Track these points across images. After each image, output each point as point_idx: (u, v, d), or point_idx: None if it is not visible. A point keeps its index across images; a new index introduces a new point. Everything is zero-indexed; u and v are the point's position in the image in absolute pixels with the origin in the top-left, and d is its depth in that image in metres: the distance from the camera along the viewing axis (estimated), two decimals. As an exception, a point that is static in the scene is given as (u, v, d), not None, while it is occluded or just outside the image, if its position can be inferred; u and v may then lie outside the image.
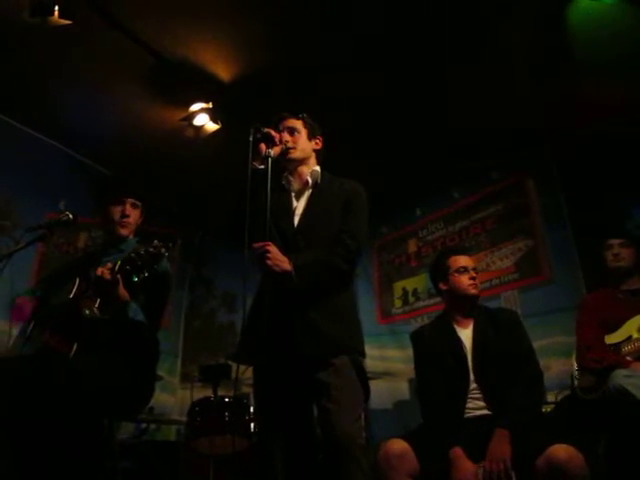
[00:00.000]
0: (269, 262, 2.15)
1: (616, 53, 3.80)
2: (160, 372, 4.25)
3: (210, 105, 4.71)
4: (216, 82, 4.47)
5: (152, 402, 2.89)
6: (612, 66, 3.95)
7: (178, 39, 4.08)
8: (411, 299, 5.79)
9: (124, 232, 2.82)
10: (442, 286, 2.83)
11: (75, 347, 2.42)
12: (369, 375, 2.36)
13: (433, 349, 2.71)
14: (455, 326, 2.75)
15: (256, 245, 2.16)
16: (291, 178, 2.55)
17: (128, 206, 2.82)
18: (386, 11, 3.79)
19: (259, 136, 2.33)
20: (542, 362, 2.64)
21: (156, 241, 2.41)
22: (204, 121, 4.79)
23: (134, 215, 2.85)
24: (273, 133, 2.37)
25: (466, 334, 2.70)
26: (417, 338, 2.86)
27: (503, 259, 5.14)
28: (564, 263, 4.66)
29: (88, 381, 2.30)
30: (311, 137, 2.59)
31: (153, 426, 5.23)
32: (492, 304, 3.92)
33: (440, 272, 2.85)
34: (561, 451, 2.08)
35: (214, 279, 6.84)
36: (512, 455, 2.25)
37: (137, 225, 2.90)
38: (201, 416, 4.11)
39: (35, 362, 2.34)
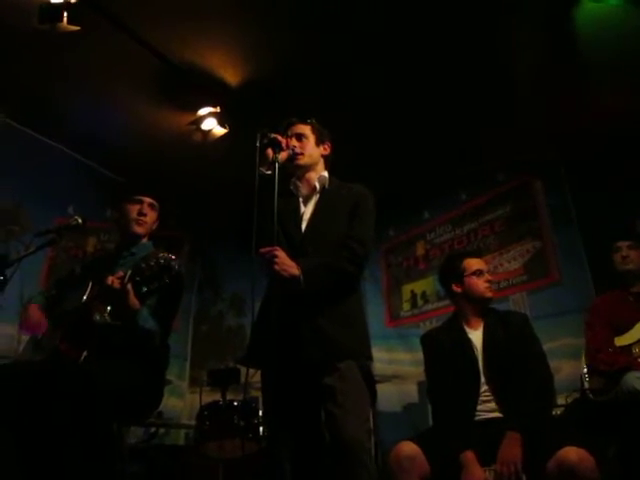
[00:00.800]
0: (277, 267, 2.15)
1: (622, 54, 3.79)
2: (169, 376, 4.25)
3: (218, 109, 4.73)
4: (224, 86, 4.49)
5: (161, 406, 2.91)
6: (618, 67, 3.94)
7: (186, 43, 4.10)
8: (420, 302, 5.78)
9: (140, 230, 2.83)
10: (456, 288, 2.83)
11: (85, 353, 2.44)
12: (378, 378, 2.37)
13: (444, 351, 2.71)
14: (466, 328, 2.76)
15: (264, 250, 2.17)
16: (299, 183, 2.56)
17: (146, 205, 2.85)
18: (392, 14, 3.80)
19: (266, 141, 2.34)
20: (552, 364, 2.63)
21: (165, 253, 2.44)
22: (212, 125, 4.81)
23: (151, 215, 2.87)
24: (280, 138, 2.38)
25: (477, 336, 2.71)
26: (428, 340, 2.86)
27: (511, 261, 5.13)
28: (572, 265, 4.65)
29: (98, 386, 2.32)
30: (319, 143, 2.60)
31: (162, 430, 5.24)
32: (500, 306, 3.89)
33: (454, 274, 2.85)
34: (572, 453, 2.07)
35: (222, 282, 6.85)
36: (523, 458, 2.25)
37: (152, 228, 2.92)
38: (210, 420, 4.11)
39: (46, 367, 2.36)
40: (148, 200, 2.86)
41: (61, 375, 2.28)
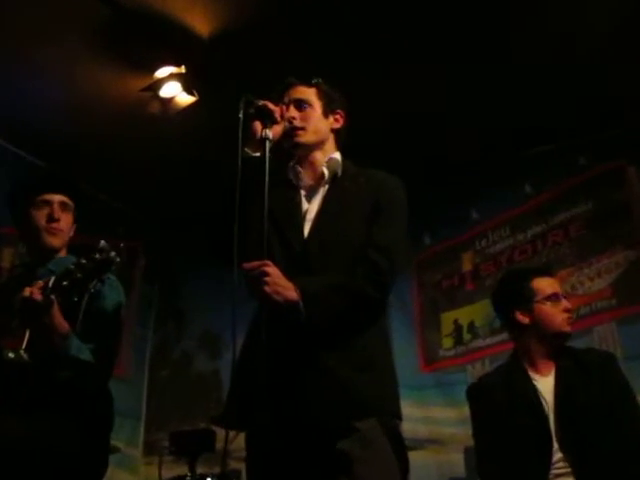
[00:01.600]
0: (268, 289, 2.11)
1: None
2: (115, 441, 4.24)
3: (183, 69, 4.75)
4: (191, 38, 4.51)
5: (105, 484, 2.90)
6: None
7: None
8: (466, 336, 5.77)
9: (54, 242, 2.82)
10: (521, 318, 2.83)
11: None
12: (408, 444, 2.35)
13: (500, 407, 2.71)
14: (531, 373, 2.76)
15: (249, 265, 2.13)
16: (300, 170, 2.54)
17: (56, 207, 2.82)
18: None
19: (252, 111, 2.33)
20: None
21: (103, 242, 2.41)
22: (175, 92, 4.83)
23: (65, 219, 2.86)
24: (271, 106, 2.36)
25: (546, 385, 2.71)
26: (477, 393, 2.86)
27: (595, 279, 5.12)
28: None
29: (11, 456, 2.30)
30: (328, 112, 2.58)
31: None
32: (579, 342, 3.89)
33: (518, 299, 2.85)
34: None
35: (190, 311, 6.86)
36: None
37: (69, 236, 2.91)
38: (175, 504, 4.12)
39: None
40: (57, 198, 2.84)
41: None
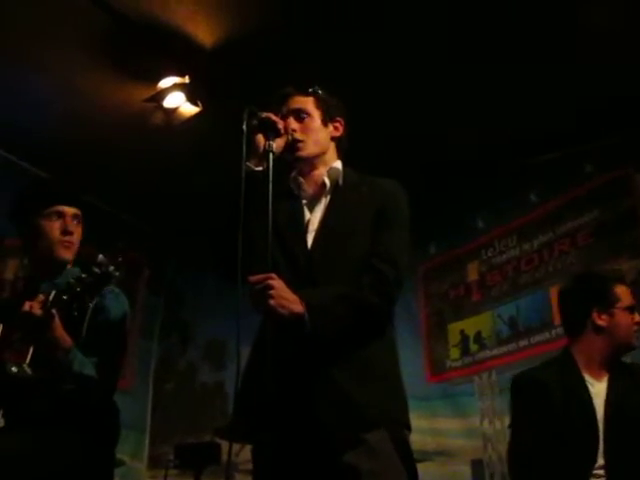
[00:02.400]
0: (273, 302, 2.10)
1: None
2: (120, 454, 4.24)
3: (186, 80, 4.76)
4: (195, 48, 4.53)
5: (110, 498, 2.90)
6: None
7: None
8: (473, 347, 5.76)
9: (67, 256, 2.80)
10: (598, 320, 2.82)
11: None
12: (415, 456, 2.34)
13: (553, 404, 2.69)
14: (586, 376, 2.76)
15: (254, 279, 2.13)
16: (302, 180, 2.54)
17: (69, 219, 2.80)
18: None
19: (256, 123, 2.33)
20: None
21: (101, 256, 2.41)
22: (178, 102, 4.84)
23: (77, 232, 2.84)
24: (274, 118, 2.37)
25: (599, 390, 2.72)
26: (528, 385, 2.85)
27: (603, 288, 5.11)
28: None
29: (16, 470, 2.30)
30: (327, 121, 2.58)
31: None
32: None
33: (602, 300, 2.85)
34: None
35: (194, 323, 6.85)
36: None
37: (78, 248, 2.91)
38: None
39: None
40: (71, 211, 2.81)
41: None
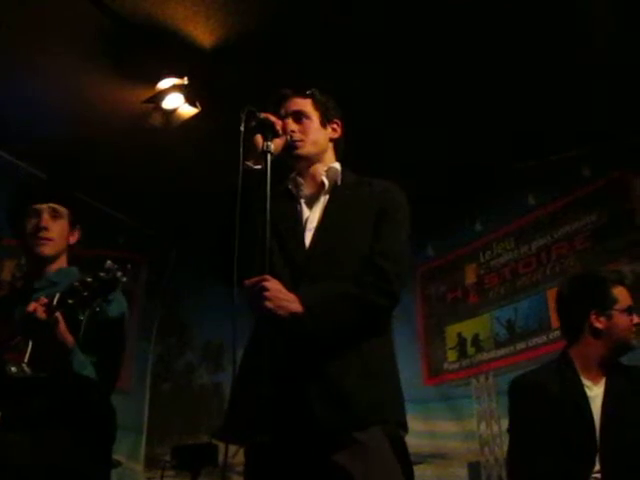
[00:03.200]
0: (269, 304, 2.09)
1: None
2: (117, 455, 4.23)
3: (185, 81, 4.76)
4: (193, 49, 4.52)
5: (106, 498, 2.90)
6: None
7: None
8: (470, 350, 5.76)
9: (45, 251, 2.80)
10: (596, 322, 2.81)
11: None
12: (412, 458, 2.33)
13: (551, 406, 2.69)
14: (583, 379, 2.76)
15: (249, 282, 2.12)
16: (300, 181, 2.55)
17: (45, 215, 2.80)
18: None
19: (254, 124, 2.33)
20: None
21: (109, 262, 2.40)
22: (177, 103, 4.84)
23: (56, 228, 2.83)
24: (273, 119, 2.37)
25: (596, 394, 2.72)
26: (526, 388, 2.84)
27: (600, 292, 5.11)
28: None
29: (14, 470, 2.30)
30: (326, 122, 2.59)
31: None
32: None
33: (599, 302, 2.84)
34: None
35: (192, 324, 6.85)
36: None
37: (65, 245, 2.92)
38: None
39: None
40: (46, 207, 2.81)
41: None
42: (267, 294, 2.09)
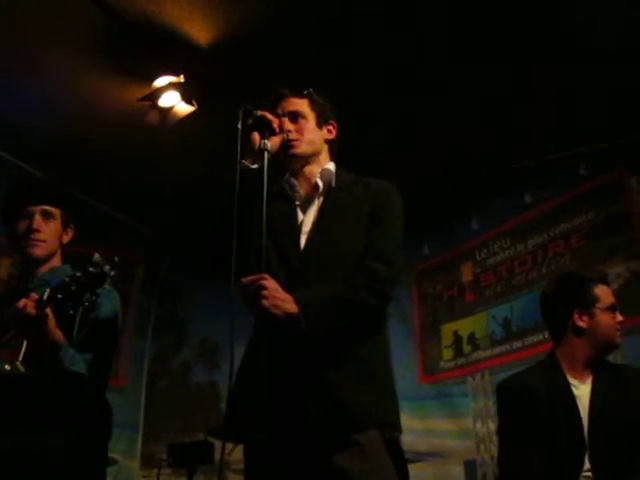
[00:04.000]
0: (266, 303, 2.10)
1: None
2: (113, 453, 4.23)
3: (181, 79, 4.75)
4: (190, 47, 4.51)
5: (102, 497, 2.89)
6: None
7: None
8: (466, 348, 5.77)
9: (37, 253, 2.80)
10: (579, 321, 2.82)
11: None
12: (407, 456, 2.34)
13: (539, 407, 2.69)
14: (570, 379, 2.76)
15: (246, 280, 2.12)
16: (295, 182, 2.54)
17: (37, 217, 2.80)
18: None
19: (251, 122, 2.33)
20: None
21: (97, 255, 2.40)
22: (173, 101, 4.83)
23: (48, 229, 2.83)
24: (270, 117, 2.37)
25: (583, 393, 2.72)
26: (513, 389, 2.84)
27: (596, 289, 5.11)
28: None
29: (7, 469, 2.29)
30: (321, 123, 2.59)
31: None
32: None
33: (581, 301, 2.85)
34: None
35: (188, 323, 6.85)
36: None
37: (58, 245, 2.91)
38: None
39: None
40: (38, 209, 2.82)
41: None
42: (265, 293, 2.10)
